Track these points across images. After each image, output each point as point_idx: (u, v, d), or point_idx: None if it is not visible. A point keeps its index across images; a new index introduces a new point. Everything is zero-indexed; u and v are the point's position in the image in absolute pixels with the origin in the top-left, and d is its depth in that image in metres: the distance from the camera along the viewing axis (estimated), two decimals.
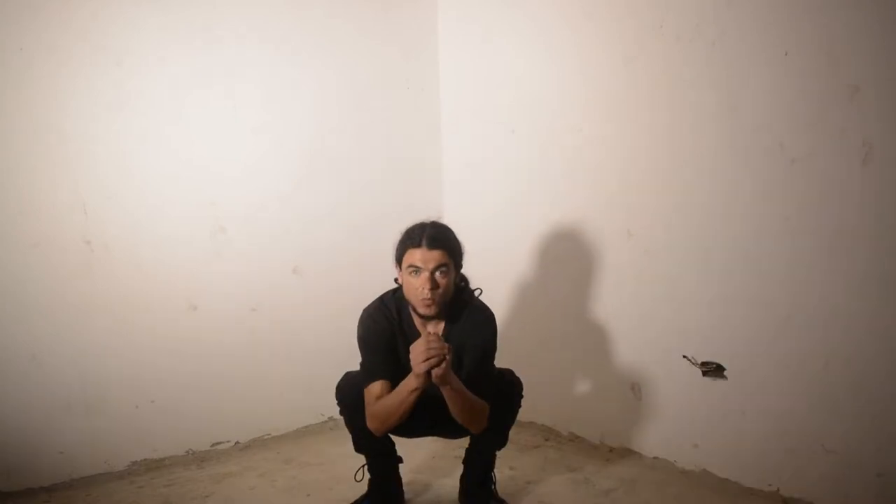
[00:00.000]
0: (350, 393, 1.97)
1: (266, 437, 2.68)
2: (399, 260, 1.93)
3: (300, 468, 2.40)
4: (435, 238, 1.88)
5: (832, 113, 1.88)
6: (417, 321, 1.95)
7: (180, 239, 2.46)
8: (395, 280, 1.99)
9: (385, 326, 1.95)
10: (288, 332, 2.72)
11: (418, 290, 1.86)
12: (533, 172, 2.72)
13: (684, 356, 2.27)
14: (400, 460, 2.11)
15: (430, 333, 1.80)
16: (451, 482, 2.25)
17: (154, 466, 2.41)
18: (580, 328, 2.61)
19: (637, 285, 2.40)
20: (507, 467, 2.37)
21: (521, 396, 2.05)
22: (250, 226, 2.61)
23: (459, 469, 2.34)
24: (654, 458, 2.40)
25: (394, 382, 1.86)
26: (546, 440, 2.66)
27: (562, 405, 2.71)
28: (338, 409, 2.02)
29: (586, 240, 2.55)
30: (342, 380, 2.02)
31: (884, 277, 1.83)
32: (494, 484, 2.10)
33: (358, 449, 2.05)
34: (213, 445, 2.56)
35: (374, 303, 2.01)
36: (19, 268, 2.18)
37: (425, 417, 1.91)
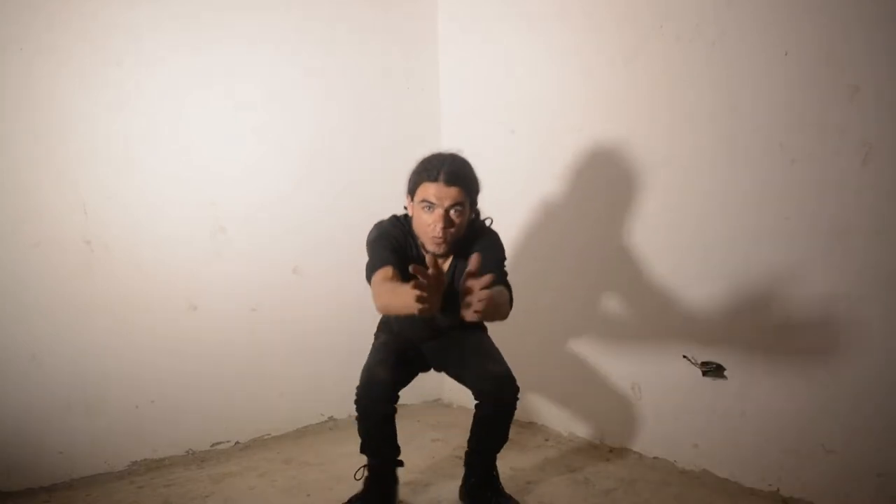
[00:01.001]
0: (370, 398, 1.91)
1: (266, 437, 2.68)
2: (412, 192, 1.84)
3: (300, 468, 2.40)
4: (453, 174, 1.79)
5: (832, 113, 1.88)
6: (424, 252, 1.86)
7: (180, 239, 2.46)
8: (404, 208, 1.91)
9: (399, 235, 1.88)
10: (288, 332, 2.72)
11: (430, 227, 1.78)
12: (533, 172, 2.72)
13: (684, 356, 2.27)
14: (401, 464, 2.10)
15: (431, 276, 1.53)
16: (451, 482, 2.26)
17: (154, 466, 2.42)
18: (580, 328, 2.61)
19: (637, 285, 2.40)
20: (507, 467, 2.37)
21: (517, 399, 1.99)
22: (250, 226, 2.61)
23: (459, 468, 2.34)
24: (654, 458, 2.40)
25: (402, 276, 1.76)
26: (546, 440, 2.66)
27: (562, 405, 2.71)
28: (354, 407, 1.96)
29: (586, 240, 2.55)
30: (363, 385, 1.94)
31: (884, 277, 1.83)
32: (499, 481, 2.07)
33: (364, 450, 2.02)
34: (213, 445, 2.56)
35: (388, 218, 1.96)
36: (19, 268, 2.18)
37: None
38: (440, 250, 1.83)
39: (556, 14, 2.59)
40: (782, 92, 1.98)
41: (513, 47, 2.77)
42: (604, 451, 2.52)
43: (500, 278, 1.83)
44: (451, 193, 1.78)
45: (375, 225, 1.97)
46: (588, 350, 2.59)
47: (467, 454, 2.09)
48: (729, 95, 2.10)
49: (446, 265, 1.95)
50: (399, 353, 2.05)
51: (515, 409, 1.98)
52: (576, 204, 2.58)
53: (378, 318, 2.23)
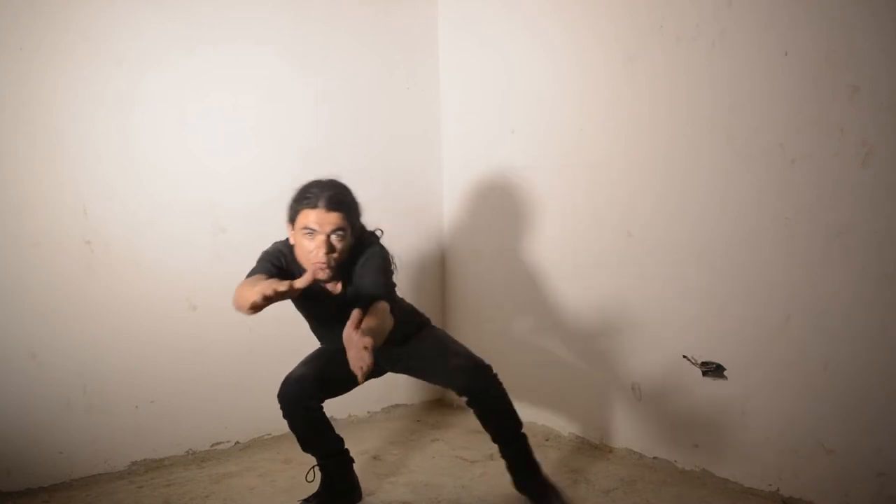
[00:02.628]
0: (288, 397, 1.95)
1: (266, 437, 2.68)
2: (293, 219, 1.85)
3: (300, 468, 2.39)
4: (333, 199, 1.81)
5: (832, 113, 1.88)
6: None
7: (180, 239, 2.46)
8: (287, 241, 1.94)
9: (284, 259, 1.91)
10: (287, 332, 2.72)
11: (312, 253, 1.79)
12: (532, 172, 2.72)
13: (684, 356, 2.27)
14: (352, 461, 2.10)
15: (362, 347, 1.55)
16: (451, 482, 2.26)
17: (154, 466, 2.42)
18: (580, 328, 2.61)
19: (637, 285, 2.39)
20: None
21: (496, 379, 1.99)
22: (250, 226, 2.61)
23: (459, 468, 2.35)
24: (654, 458, 2.40)
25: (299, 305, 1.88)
26: (546, 440, 2.66)
27: (562, 405, 2.71)
28: (281, 413, 1.99)
29: (586, 240, 2.55)
30: (281, 385, 1.98)
31: (884, 277, 1.83)
32: (540, 468, 2.06)
33: (304, 449, 2.04)
34: (213, 445, 2.56)
35: (273, 244, 1.98)
36: (20, 267, 2.18)
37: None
38: (325, 276, 1.84)
39: (556, 14, 2.58)
40: (782, 92, 1.98)
41: (513, 47, 2.77)
42: (604, 451, 2.52)
43: (380, 292, 1.84)
44: (332, 219, 1.80)
45: (274, 243, 2.00)
46: (588, 350, 2.59)
47: (499, 449, 2.07)
48: (729, 95, 2.10)
49: (338, 289, 1.95)
50: (333, 359, 2.01)
51: (500, 389, 1.98)
52: (576, 204, 2.58)
53: None
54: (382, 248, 1.99)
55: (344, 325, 1.74)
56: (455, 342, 2.12)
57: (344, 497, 2.08)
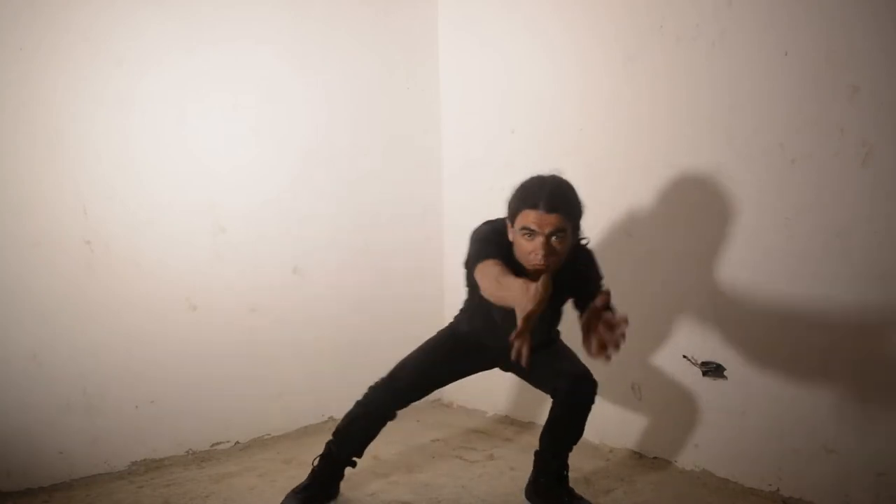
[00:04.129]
0: (381, 402, 1.99)
1: (266, 437, 2.68)
2: (512, 218, 1.79)
3: (300, 468, 2.39)
4: (554, 200, 1.73)
5: (832, 113, 1.88)
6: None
7: (180, 239, 2.46)
8: (501, 220, 1.89)
9: (505, 241, 1.83)
10: (288, 332, 2.72)
11: (531, 255, 1.74)
12: (532, 172, 2.71)
13: (684, 356, 2.27)
14: (353, 464, 2.12)
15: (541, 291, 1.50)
16: (451, 482, 2.26)
17: (154, 466, 2.41)
18: (579, 327, 2.60)
19: (637, 285, 2.39)
20: (507, 467, 2.37)
21: (595, 394, 1.98)
22: (250, 226, 2.61)
23: (459, 468, 2.35)
24: (654, 458, 2.40)
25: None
26: None
27: None
28: (362, 396, 2.01)
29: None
30: (386, 384, 2.01)
31: (883, 277, 1.83)
32: (568, 480, 2.06)
33: (336, 435, 2.06)
34: (213, 445, 2.56)
35: (497, 219, 1.90)
36: (20, 268, 2.18)
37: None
38: (540, 271, 1.77)
39: (556, 14, 2.59)
40: (782, 92, 1.98)
41: (513, 47, 2.77)
42: (604, 451, 2.52)
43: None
44: (552, 220, 1.71)
45: (488, 221, 1.91)
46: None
47: (538, 453, 2.08)
48: (729, 95, 2.10)
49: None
50: (445, 359, 2.07)
51: (592, 404, 1.97)
52: None
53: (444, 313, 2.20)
54: (595, 258, 1.97)
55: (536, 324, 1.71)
56: (572, 352, 2.07)
57: (326, 491, 2.10)
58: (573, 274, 1.86)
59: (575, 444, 2.04)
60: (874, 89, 1.81)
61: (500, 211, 2.95)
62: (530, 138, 2.72)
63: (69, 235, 2.25)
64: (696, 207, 2.22)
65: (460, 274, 3.13)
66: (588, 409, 1.98)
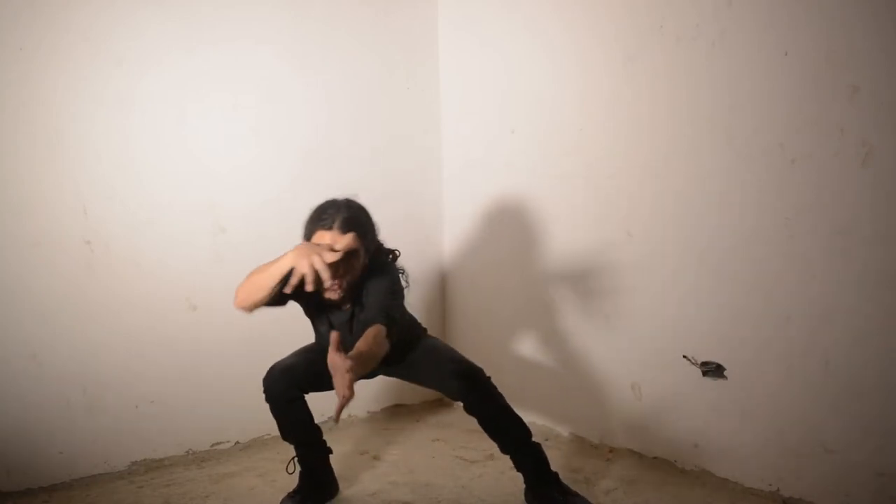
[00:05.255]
0: (273, 385, 2.00)
1: (266, 437, 2.68)
2: (307, 239, 1.87)
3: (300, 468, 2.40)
4: (348, 221, 1.82)
5: (832, 113, 1.88)
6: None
7: (180, 239, 2.46)
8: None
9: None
10: (287, 332, 2.71)
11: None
12: (532, 172, 2.72)
13: (684, 356, 2.27)
14: (329, 451, 2.12)
15: (346, 371, 1.62)
16: (451, 482, 2.26)
17: (154, 466, 2.42)
18: (580, 328, 2.61)
19: (637, 285, 2.40)
20: (507, 467, 2.37)
21: (490, 382, 1.99)
22: (250, 226, 2.61)
23: (459, 468, 2.35)
24: (654, 458, 2.40)
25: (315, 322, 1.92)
26: (546, 440, 2.65)
27: (562, 405, 2.71)
28: (264, 397, 2.02)
29: (586, 240, 2.55)
30: (267, 372, 2.03)
31: (883, 277, 1.83)
32: (558, 478, 2.05)
33: (283, 437, 2.08)
34: (213, 445, 2.56)
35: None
36: (20, 267, 2.18)
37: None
38: (336, 296, 1.86)
39: (556, 14, 2.58)
40: (782, 92, 1.98)
41: (513, 47, 2.77)
42: (604, 451, 2.52)
43: (378, 317, 1.86)
44: (344, 241, 1.80)
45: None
46: (588, 350, 2.59)
47: (511, 458, 2.07)
48: (729, 95, 2.10)
49: (347, 308, 1.98)
50: (324, 355, 2.05)
51: (496, 393, 1.97)
52: (575, 203, 2.58)
53: None
54: (394, 268, 2.00)
55: (353, 340, 1.81)
56: (448, 349, 2.13)
57: (322, 489, 2.11)
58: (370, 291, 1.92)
59: (519, 432, 2.01)
60: (874, 89, 1.81)
61: (498, 210, 2.96)
62: (530, 138, 2.72)
63: (69, 235, 2.25)
64: (695, 207, 2.22)
65: (461, 274, 3.15)
66: (494, 398, 1.97)
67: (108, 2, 2.28)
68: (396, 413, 3.02)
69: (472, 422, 2.83)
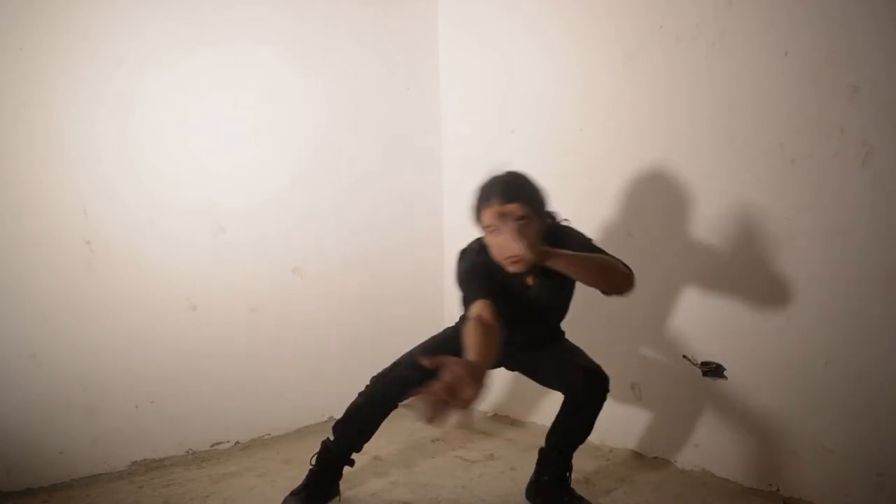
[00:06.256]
0: (381, 392, 2.00)
1: (266, 437, 2.68)
2: (477, 221, 1.85)
3: (300, 468, 2.39)
4: (508, 191, 1.78)
5: (832, 113, 1.88)
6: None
7: (180, 239, 2.46)
8: (480, 240, 1.93)
9: (484, 262, 1.87)
10: (288, 332, 2.72)
11: (501, 249, 1.76)
12: (532, 172, 2.71)
13: (684, 356, 2.27)
14: (352, 463, 2.12)
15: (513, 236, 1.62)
16: (451, 482, 2.26)
17: (154, 466, 2.41)
18: (579, 328, 2.60)
19: (637, 285, 2.39)
20: (507, 467, 2.37)
21: (608, 391, 1.97)
22: (250, 226, 2.61)
23: (459, 468, 2.35)
24: (654, 458, 2.40)
25: (494, 303, 1.76)
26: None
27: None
28: (366, 387, 2.02)
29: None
30: (386, 375, 2.02)
31: (883, 277, 1.83)
32: (570, 481, 2.06)
33: (337, 426, 2.07)
34: (213, 445, 2.56)
35: (472, 242, 1.96)
36: (20, 267, 2.18)
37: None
38: (520, 268, 1.79)
39: (556, 14, 2.59)
40: (782, 92, 1.98)
41: (513, 47, 2.77)
42: (604, 451, 2.52)
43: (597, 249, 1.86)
44: (513, 209, 1.76)
45: (462, 252, 1.96)
46: (588, 350, 2.58)
47: (543, 451, 2.07)
48: (729, 95, 2.10)
49: (530, 281, 1.96)
50: (451, 354, 2.05)
51: (604, 401, 1.97)
52: (575, 204, 2.57)
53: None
54: (580, 233, 1.95)
55: (532, 323, 1.84)
56: (581, 350, 2.10)
57: (326, 491, 2.10)
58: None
59: (583, 441, 2.04)
60: (874, 89, 1.81)
61: None
62: (530, 138, 2.72)
63: (69, 235, 2.25)
64: (695, 207, 2.22)
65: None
66: (600, 406, 1.98)
67: (108, 2, 2.28)
68: (396, 413, 3.01)
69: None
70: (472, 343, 1.64)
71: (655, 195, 2.33)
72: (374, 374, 2.05)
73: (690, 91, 2.20)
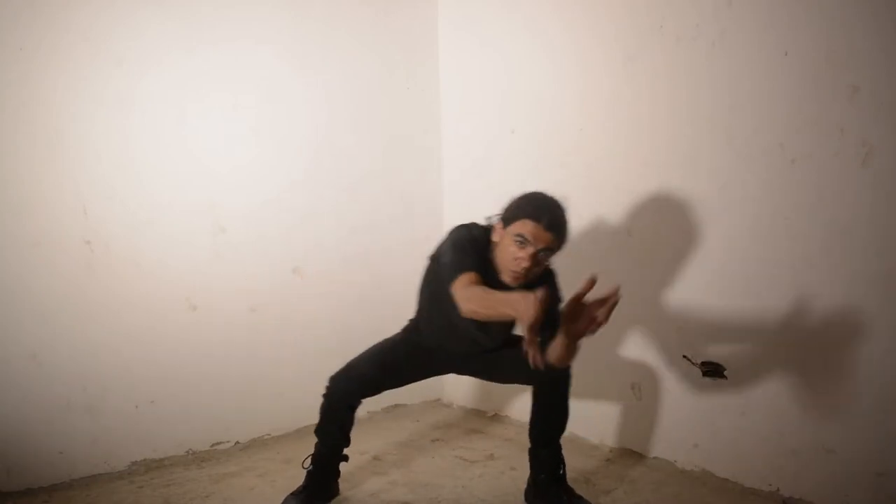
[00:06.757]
0: (341, 390, 2.01)
1: (266, 437, 2.68)
2: (508, 221, 1.87)
3: (300, 468, 2.39)
4: (556, 222, 1.84)
5: (832, 113, 1.88)
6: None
7: (180, 239, 2.46)
8: (487, 221, 1.96)
9: (482, 241, 1.91)
10: (288, 332, 2.72)
11: (515, 261, 1.81)
12: (533, 172, 2.72)
13: (684, 356, 2.27)
14: (345, 458, 2.13)
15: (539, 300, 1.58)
16: (451, 482, 2.26)
17: (154, 466, 2.41)
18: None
19: (637, 285, 2.40)
20: (507, 466, 2.37)
21: (570, 374, 2.02)
22: (250, 226, 2.61)
23: (459, 468, 2.35)
24: (654, 458, 2.40)
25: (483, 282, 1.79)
26: None
27: None
28: (326, 388, 2.03)
29: (586, 240, 2.55)
30: (341, 374, 2.04)
31: (883, 277, 1.83)
32: (566, 477, 2.07)
33: (318, 431, 2.08)
34: (213, 445, 2.56)
35: (477, 225, 1.97)
36: (20, 267, 2.18)
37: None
38: (514, 284, 1.85)
39: (556, 14, 2.59)
40: (782, 92, 1.98)
41: (513, 47, 2.77)
42: (604, 451, 2.52)
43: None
44: (547, 238, 1.82)
45: (465, 226, 1.96)
46: (588, 350, 2.58)
47: (532, 451, 2.09)
48: (729, 95, 2.10)
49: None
50: (403, 358, 2.11)
51: (570, 379, 2.02)
52: (575, 203, 2.57)
53: (398, 316, 2.25)
54: (551, 270, 2.02)
55: (495, 330, 1.95)
56: None
57: (326, 490, 2.11)
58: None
59: (563, 428, 2.05)
60: (874, 89, 1.81)
61: (499, 210, 2.95)
62: (530, 138, 2.72)
63: (69, 235, 2.25)
64: (696, 207, 2.22)
65: None
66: (568, 386, 2.03)
67: (108, 2, 2.28)
68: (396, 413, 3.02)
69: (472, 422, 2.84)
70: (492, 291, 1.72)
71: (655, 195, 2.32)
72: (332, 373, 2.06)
73: (690, 91, 2.20)
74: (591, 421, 2.61)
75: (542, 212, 1.83)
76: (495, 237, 1.91)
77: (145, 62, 2.35)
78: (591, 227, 2.53)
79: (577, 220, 2.57)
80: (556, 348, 1.73)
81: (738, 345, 2.15)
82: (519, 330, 1.91)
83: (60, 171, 2.23)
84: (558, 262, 2.65)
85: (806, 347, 2.00)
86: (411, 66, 3.02)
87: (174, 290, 2.46)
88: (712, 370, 2.20)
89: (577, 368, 2.63)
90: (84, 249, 2.28)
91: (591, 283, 1.63)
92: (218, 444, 2.57)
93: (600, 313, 1.65)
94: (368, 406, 2.94)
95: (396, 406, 3.05)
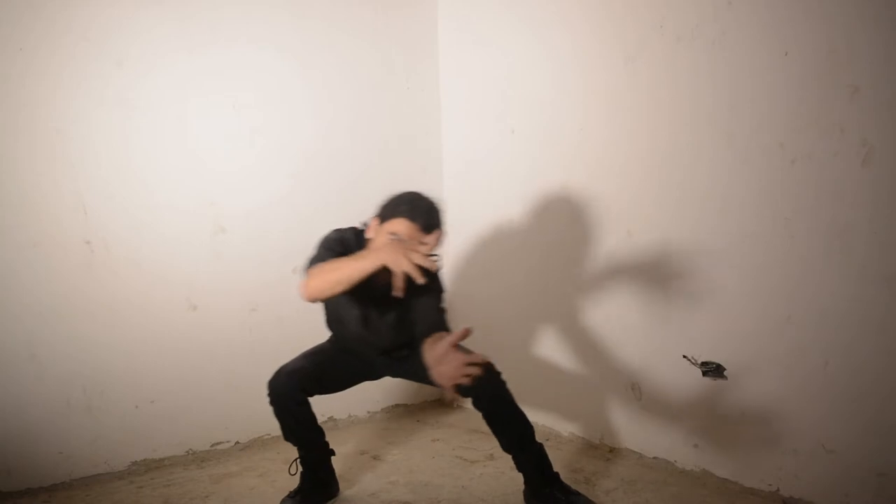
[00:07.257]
0: (279, 388, 2.00)
1: (266, 437, 2.68)
2: (384, 218, 1.89)
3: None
4: (433, 224, 1.88)
5: (832, 113, 1.88)
6: None
7: (180, 239, 2.46)
8: (363, 225, 1.99)
9: (351, 241, 1.95)
10: (287, 332, 2.72)
11: (399, 264, 1.77)
12: (533, 172, 2.72)
13: (684, 356, 2.27)
14: (332, 453, 2.13)
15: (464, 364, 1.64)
16: (451, 482, 2.26)
17: (154, 466, 2.42)
18: (580, 328, 2.61)
19: (637, 285, 2.39)
20: (507, 467, 2.37)
21: (503, 380, 1.98)
22: (250, 226, 2.61)
23: (459, 468, 2.35)
24: (654, 458, 2.40)
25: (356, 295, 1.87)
26: (546, 440, 2.65)
27: (562, 405, 2.71)
28: (267, 395, 2.02)
29: (586, 240, 2.55)
30: (274, 375, 2.03)
31: (883, 277, 1.83)
32: (559, 478, 2.05)
33: (287, 439, 2.07)
34: (213, 445, 2.56)
35: (349, 229, 2.01)
36: (20, 267, 2.18)
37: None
38: (401, 294, 1.81)
39: (556, 14, 2.58)
40: (782, 92, 1.98)
41: (513, 47, 2.77)
42: (604, 451, 2.52)
43: (441, 324, 1.93)
44: (426, 240, 1.87)
45: (336, 230, 2.01)
46: (588, 350, 2.59)
47: (513, 459, 2.06)
48: (729, 95, 2.10)
49: (398, 292, 1.97)
50: (333, 355, 2.13)
51: (505, 388, 1.97)
52: (575, 203, 2.58)
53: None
54: (441, 280, 2.05)
55: (382, 328, 1.95)
56: (462, 348, 2.10)
57: (323, 490, 2.11)
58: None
59: (528, 425, 2.00)
60: (874, 89, 1.81)
61: (499, 210, 2.95)
62: (530, 138, 2.72)
63: (69, 235, 2.25)
64: (696, 207, 2.22)
65: (460, 274, 3.13)
66: (503, 392, 1.96)
67: (108, 2, 2.28)
68: (396, 413, 3.02)
69: (472, 422, 2.84)
70: (342, 258, 1.79)
71: (655, 195, 2.32)
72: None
73: (690, 91, 2.19)
74: (591, 421, 2.61)
75: (418, 213, 1.87)
76: (370, 233, 1.93)
77: (145, 62, 2.36)
78: (592, 227, 2.53)
79: (576, 220, 2.58)
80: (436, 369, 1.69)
81: (738, 345, 2.15)
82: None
83: (60, 172, 2.23)
84: (562, 263, 2.66)
85: (806, 347, 2.00)
86: (411, 66, 3.02)
87: (174, 290, 2.46)
88: (712, 370, 2.20)
89: (578, 368, 2.64)
90: (84, 249, 2.28)
91: (466, 333, 1.64)
92: (218, 444, 2.57)
93: (468, 369, 1.63)
94: (368, 406, 2.96)
95: (396, 406, 3.05)
